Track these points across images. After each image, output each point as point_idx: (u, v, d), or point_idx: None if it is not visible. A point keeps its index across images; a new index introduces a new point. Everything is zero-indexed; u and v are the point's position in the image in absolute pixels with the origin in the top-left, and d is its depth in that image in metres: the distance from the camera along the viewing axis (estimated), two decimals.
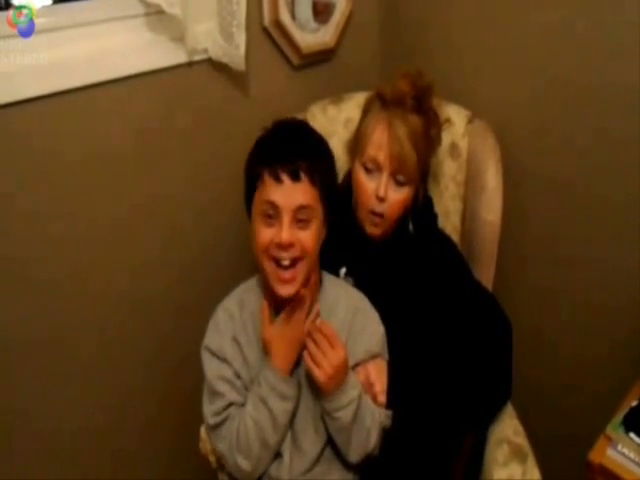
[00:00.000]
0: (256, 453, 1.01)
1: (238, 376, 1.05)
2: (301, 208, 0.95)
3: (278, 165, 0.95)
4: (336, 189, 1.06)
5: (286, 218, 0.95)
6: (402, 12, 1.56)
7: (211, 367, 1.06)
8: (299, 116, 1.37)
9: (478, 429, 1.16)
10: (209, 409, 1.06)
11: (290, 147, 0.98)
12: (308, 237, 0.97)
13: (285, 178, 0.94)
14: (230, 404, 1.04)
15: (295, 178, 0.95)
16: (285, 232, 0.94)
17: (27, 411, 1.23)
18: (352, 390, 1.00)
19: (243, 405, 1.04)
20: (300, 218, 0.96)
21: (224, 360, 1.05)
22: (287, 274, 0.97)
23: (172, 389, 1.46)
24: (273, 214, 0.95)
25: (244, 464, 1.02)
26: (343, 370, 0.98)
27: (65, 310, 1.23)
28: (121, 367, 1.36)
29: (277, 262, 0.97)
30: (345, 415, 0.99)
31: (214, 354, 1.06)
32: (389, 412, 1.06)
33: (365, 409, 1.02)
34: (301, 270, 0.98)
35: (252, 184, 0.99)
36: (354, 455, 1.04)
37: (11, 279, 1.14)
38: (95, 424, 1.35)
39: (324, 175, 0.99)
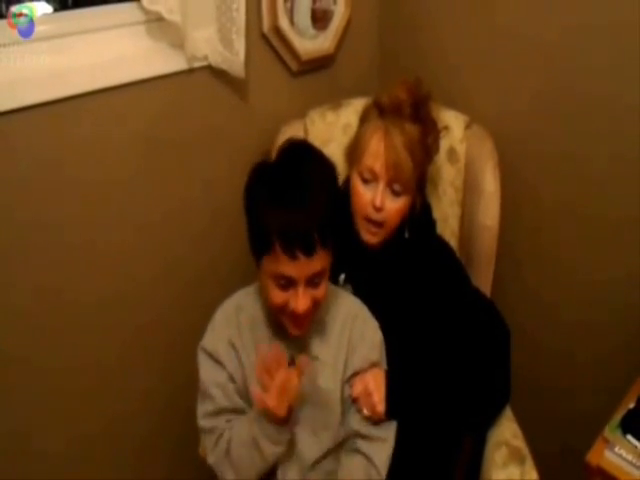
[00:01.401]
0: (245, 474, 1.02)
1: (232, 379, 1.05)
2: (316, 275, 0.94)
3: (292, 242, 0.89)
4: (340, 220, 1.00)
5: (301, 288, 0.93)
6: (401, 18, 1.57)
7: (205, 368, 1.07)
8: (298, 122, 1.38)
9: (477, 433, 1.17)
10: (200, 410, 1.07)
11: (305, 216, 0.90)
12: (321, 292, 0.97)
13: (300, 255, 0.90)
14: (220, 411, 1.05)
15: (311, 254, 0.90)
16: (301, 302, 0.93)
17: (29, 415, 1.24)
18: None
19: (233, 412, 1.05)
20: (314, 281, 0.95)
21: (218, 362, 1.05)
22: (299, 322, 0.99)
23: (178, 393, 1.47)
24: (286, 283, 0.94)
25: (231, 478, 1.03)
26: None
27: (70, 315, 1.24)
28: (126, 372, 1.37)
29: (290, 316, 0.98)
30: None
31: (209, 355, 1.06)
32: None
33: None
34: (312, 315, 1.00)
35: (261, 243, 0.94)
36: None
37: (13, 286, 1.15)
38: (97, 429, 1.36)
39: (335, 227, 0.95)
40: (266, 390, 0.91)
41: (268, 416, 0.94)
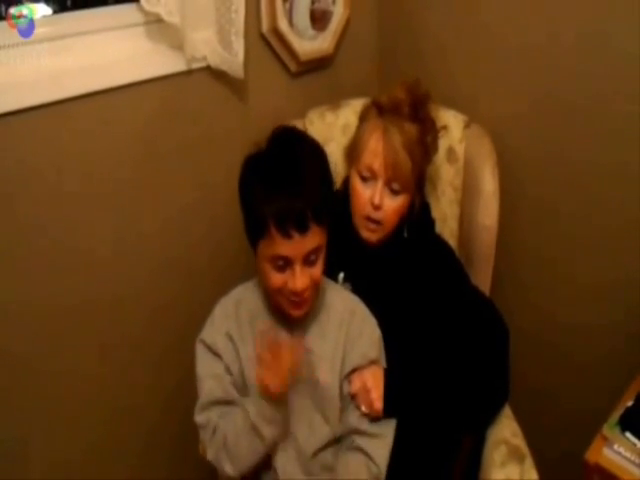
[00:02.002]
0: (243, 462, 1.03)
1: (229, 371, 1.07)
2: (311, 252, 0.96)
3: (286, 221, 0.91)
4: (334, 199, 1.03)
5: (298, 267, 0.95)
6: (400, 19, 1.57)
7: (202, 361, 1.08)
8: (297, 123, 1.38)
9: (476, 431, 1.18)
10: (197, 404, 1.08)
11: (295, 195, 0.92)
12: (318, 270, 0.99)
13: (294, 233, 0.92)
14: (214, 402, 1.06)
15: (305, 231, 0.92)
16: (299, 281, 0.95)
17: (28, 417, 1.24)
18: None
19: (226, 404, 1.05)
20: (310, 259, 0.97)
21: (216, 354, 1.07)
22: (299, 303, 1.01)
23: (177, 393, 1.47)
24: (283, 264, 0.96)
25: (230, 470, 1.04)
26: None
27: (68, 318, 1.24)
28: (127, 370, 1.38)
29: (290, 298, 1.00)
30: None
31: (207, 347, 1.08)
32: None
33: None
34: (312, 295, 1.01)
35: (256, 227, 0.96)
36: None
37: (10, 286, 1.15)
38: (95, 430, 1.36)
39: (329, 205, 0.97)
40: (264, 365, 0.95)
41: (265, 395, 0.97)
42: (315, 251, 0.96)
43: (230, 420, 1.03)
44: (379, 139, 1.11)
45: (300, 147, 0.99)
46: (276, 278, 0.97)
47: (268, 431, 0.99)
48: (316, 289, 1.02)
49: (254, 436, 1.00)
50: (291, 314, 1.02)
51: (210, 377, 1.06)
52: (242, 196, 0.99)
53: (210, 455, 1.06)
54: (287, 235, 0.92)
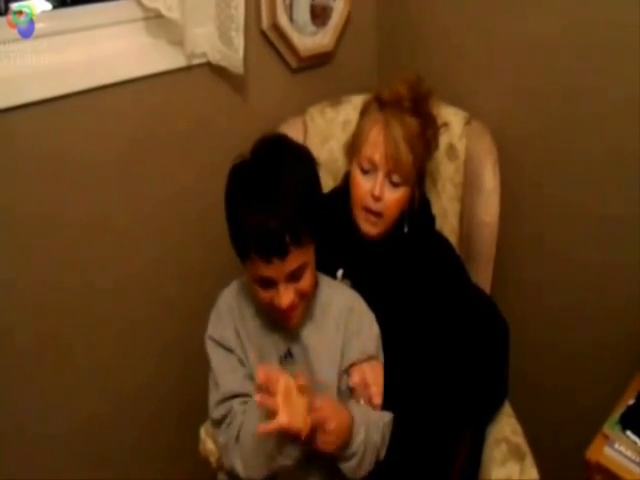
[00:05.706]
0: (252, 469, 1.01)
1: (242, 363, 1.06)
2: (294, 271, 0.96)
3: (264, 247, 0.91)
4: (319, 213, 1.00)
5: (282, 286, 0.96)
6: (400, 15, 1.57)
7: (215, 357, 1.08)
8: (297, 119, 1.38)
9: (476, 428, 1.17)
10: (212, 399, 1.07)
11: (273, 223, 0.90)
12: (305, 284, 0.99)
13: (274, 259, 0.92)
14: (232, 396, 1.04)
15: (284, 256, 0.92)
16: (283, 299, 0.96)
17: (25, 411, 1.25)
18: (357, 437, 0.98)
19: (245, 396, 1.04)
20: (295, 275, 0.97)
21: (228, 348, 1.07)
22: (289, 315, 1.01)
23: (175, 389, 1.48)
24: (268, 282, 0.96)
25: (239, 467, 1.02)
26: (347, 427, 0.96)
27: (69, 308, 1.24)
28: (126, 367, 1.38)
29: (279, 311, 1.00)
30: (354, 460, 0.99)
31: (218, 343, 1.07)
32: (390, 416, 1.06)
33: (372, 435, 1.01)
34: (302, 305, 1.02)
35: (238, 249, 0.97)
36: (362, 474, 1.03)
37: (15, 281, 1.16)
38: (95, 424, 1.36)
39: (311, 223, 0.96)
40: (275, 410, 0.87)
41: (288, 435, 0.91)
42: (299, 269, 0.96)
43: (248, 417, 1.01)
44: (380, 131, 1.11)
45: (282, 161, 0.96)
46: (263, 294, 0.98)
47: (281, 462, 0.97)
48: (306, 298, 1.02)
49: (263, 455, 0.97)
50: (284, 325, 1.03)
51: (226, 371, 1.06)
52: (226, 215, 0.98)
53: (221, 440, 1.04)
54: (267, 260, 0.92)
